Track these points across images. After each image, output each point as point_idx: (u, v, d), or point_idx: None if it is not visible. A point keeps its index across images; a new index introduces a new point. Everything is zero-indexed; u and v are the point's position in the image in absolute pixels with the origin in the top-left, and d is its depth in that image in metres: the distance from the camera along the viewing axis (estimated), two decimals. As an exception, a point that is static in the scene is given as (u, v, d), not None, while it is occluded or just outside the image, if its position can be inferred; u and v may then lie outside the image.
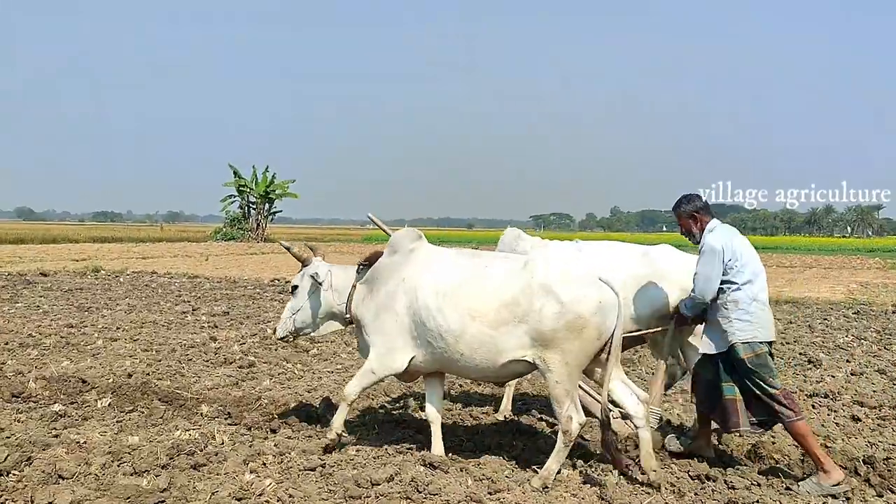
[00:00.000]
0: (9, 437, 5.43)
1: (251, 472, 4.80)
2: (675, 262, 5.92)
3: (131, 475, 4.74)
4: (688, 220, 5.41)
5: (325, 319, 5.76)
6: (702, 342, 5.37)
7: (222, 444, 5.46)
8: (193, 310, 13.51)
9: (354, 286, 5.56)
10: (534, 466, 5.15)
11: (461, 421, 6.29)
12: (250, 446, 5.39)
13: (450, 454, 5.29)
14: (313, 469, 4.93)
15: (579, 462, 5.30)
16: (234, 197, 60.53)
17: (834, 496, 4.81)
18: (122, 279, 19.98)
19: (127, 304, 14.21)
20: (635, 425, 4.99)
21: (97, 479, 4.67)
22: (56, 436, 5.55)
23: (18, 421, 6.01)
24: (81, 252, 34.08)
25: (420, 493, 4.56)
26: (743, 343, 5.06)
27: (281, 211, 63.86)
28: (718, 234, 5.26)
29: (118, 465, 4.88)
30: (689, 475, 5.04)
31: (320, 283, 5.63)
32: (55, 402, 6.60)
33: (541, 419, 6.38)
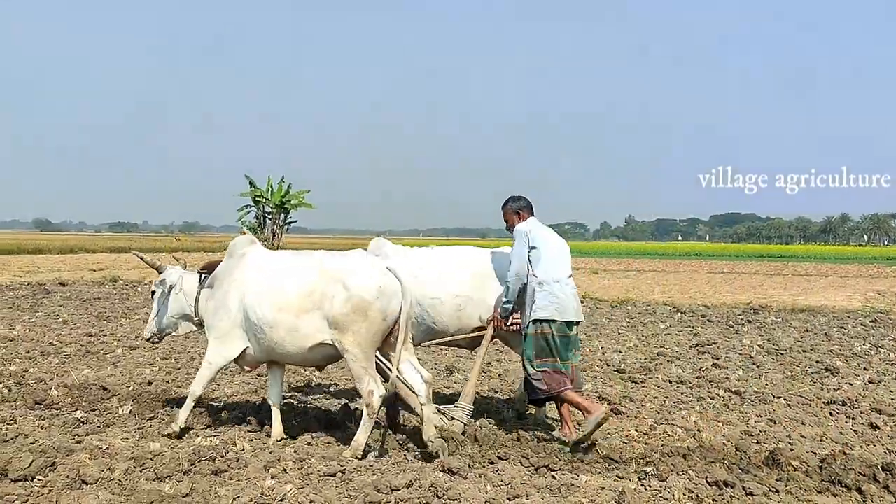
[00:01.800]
0: (33, 444, 5.51)
1: (272, 478, 4.85)
2: (504, 263, 6.30)
3: (154, 481, 4.81)
4: (512, 215, 6.27)
5: (181, 320, 6.41)
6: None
7: (243, 450, 5.51)
8: (211, 319, 13.56)
9: (199, 291, 6.15)
10: (553, 472, 5.18)
11: (480, 427, 6.31)
12: (270, 452, 5.43)
13: (468, 461, 5.31)
14: (333, 475, 4.97)
15: (598, 467, 5.33)
16: (250, 207, 60.68)
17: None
18: (139, 289, 20.10)
19: (145, 313, 14.27)
20: (420, 402, 5.56)
21: (120, 485, 4.73)
22: (79, 442, 5.62)
23: (42, 427, 6.09)
24: (99, 262, 34.38)
25: (439, 498, 4.59)
26: (534, 320, 5.85)
27: (296, 221, 63.93)
28: (526, 223, 6.14)
29: (141, 471, 4.95)
30: (707, 481, 5.04)
31: (171, 288, 6.27)
32: (77, 410, 6.66)
33: (558, 426, 6.39)
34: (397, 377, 5.48)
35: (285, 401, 7.19)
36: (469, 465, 5.20)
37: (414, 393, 5.59)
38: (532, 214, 6.26)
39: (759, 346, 11.27)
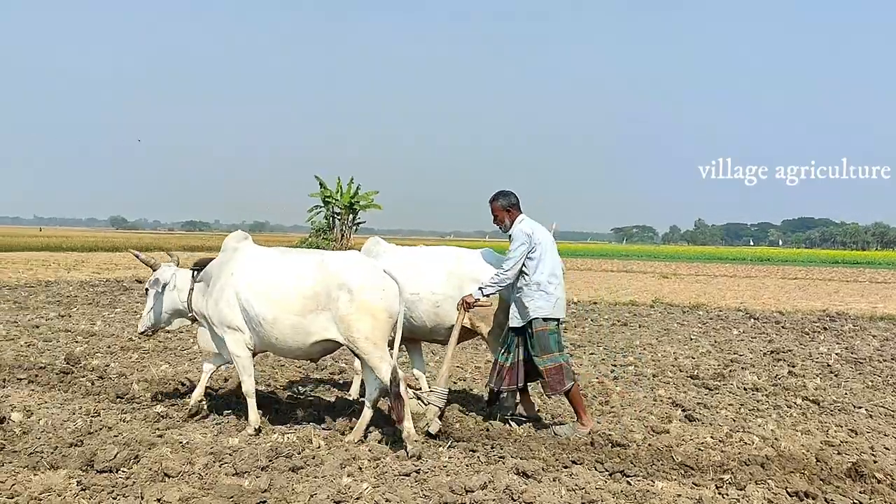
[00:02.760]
0: (116, 436, 5.67)
1: (348, 476, 4.90)
2: (485, 263, 6.71)
3: (233, 475, 4.90)
4: (503, 211, 6.38)
5: (174, 315, 6.62)
6: (511, 318, 6.33)
7: (318, 447, 5.58)
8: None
9: (192, 287, 6.39)
10: (627, 478, 5.14)
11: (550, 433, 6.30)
12: (346, 450, 5.49)
13: (542, 464, 5.30)
14: (408, 474, 5.00)
15: (674, 473, 5.26)
16: (320, 207, 61.47)
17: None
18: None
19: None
20: (369, 400, 5.94)
21: (201, 479, 4.83)
22: (160, 436, 5.76)
23: (124, 421, 6.25)
24: (173, 260, 35.00)
25: (514, 501, 4.59)
26: (544, 318, 6.16)
27: (364, 222, 64.53)
28: (527, 224, 6.28)
29: (220, 466, 5.05)
30: (787, 492, 4.94)
31: (165, 285, 6.48)
32: (157, 404, 6.83)
33: (632, 431, 6.34)
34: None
35: (360, 398, 7.28)
36: (543, 469, 5.20)
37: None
38: (521, 212, 6.43)
39: (836, 354, 11.01)
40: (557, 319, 6.30)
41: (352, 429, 6.00)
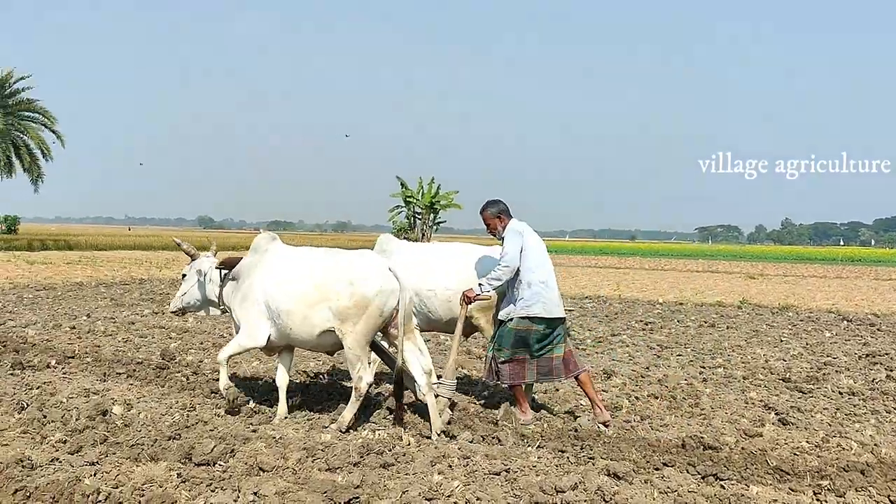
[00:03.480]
0: (212, 430, 5.82)
1: (438, 474, 4.93)
2: (493, 260, 6.95)
3: (326, 471, 4.98)
4: (494, 219, 6.63)
5: (204, 303, 7.13)
6: (500, 312, 6.60)
7: (409, 444, 5.63)
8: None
9: (222, 283, 6.82)
10: (721, 482, 5.05)
11: (644, 434, 6.24)
12: (436, 448, 5.52)
13: (632, 465, 5.26)
14: (498, 473, 5.00)
15: (768, 478, 5.15)
16: (401, 207, 62.07)
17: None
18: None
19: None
20: (422, 392, 6.17)
21: (295, 473, 4.92)
22: (254, 431, 5.89)
23: (219, 415, 6.41)
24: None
25: (606, 502, 4.56)
26: (520, 317, 6.36)
27: (445, 221, 64.93)
28: (516, 223, 6.54)
29: (313, 461, 5.13)
30: (890, 500, 4.79)
31: (201, 275, 7.01)
32: (250, 400, 6.98)
33: (723, 434, 6.23)
34: (402, 364, 6.11)
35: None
36: (634, 471, 5.15)
37: (414, 381, 6.25)
38: (511, 217, 6.66)
39: (937, 358, 10.60)
40: (546, 320, 6.42)
41: (443, 431, 6.06)
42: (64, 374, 7.97)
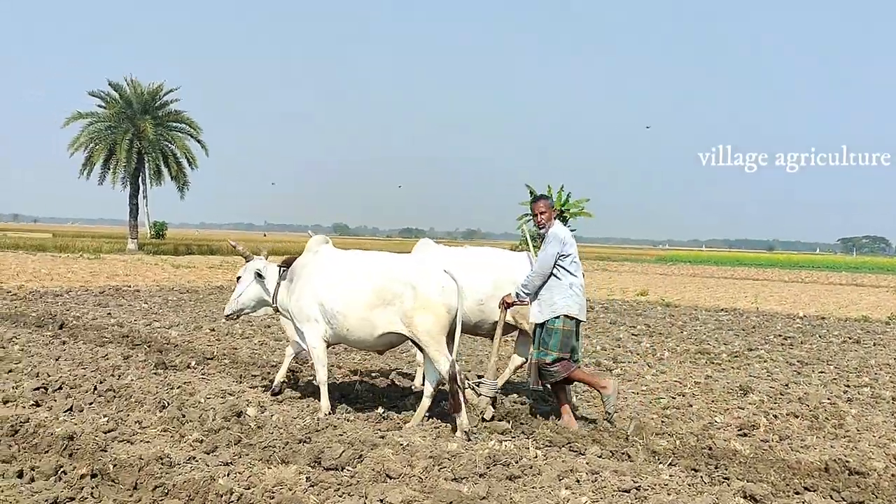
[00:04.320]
0: (341, 435, 5.89)
1: (566, 489, 4.82)
2: (523, 265, 7.29)
3: (452, 480, 4.94)
4: (549, 210, 6.79)
5: (259, 304, 7.24)
6: (531, 314, 6.72)
7: (536, 457, 5.53)
8: (496, 324, 13.90)
9: (279, 282, 7.01)
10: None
11: (783, 455, 5.95)
12: (563, 462, 5.41)
13: (770, 488, 5.01)
14: (627, 491, 4.85)
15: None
16: (530, 216, 61.91)
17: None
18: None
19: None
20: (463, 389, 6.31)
21: (421, 482, 4.91)
22: (382, 437, 5.91)
23: (348, 420, 6.49)
24: (390, 265, 36.32)
25: (742, 526, 4.37)
26: (565, 315, 6.49)
27: (575, 230, 64.30)
28: (560, 228, 6.66)
29: (439, 470, 5.11)
30: None
31: (255, 276, 7.10)
32: (379, 405, 7.04)
33: (870, 458, 5.87)
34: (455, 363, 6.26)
35: (574, 409, 7.20)
36: (772, 494, 4.91)
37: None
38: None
39: None
40: (579, 322, 6.63)
41: (468, 431, 6.14)
42: (203, 374, 8.27)
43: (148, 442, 5.58)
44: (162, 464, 4.92)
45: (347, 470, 5.10)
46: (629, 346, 11.85)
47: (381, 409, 6.87)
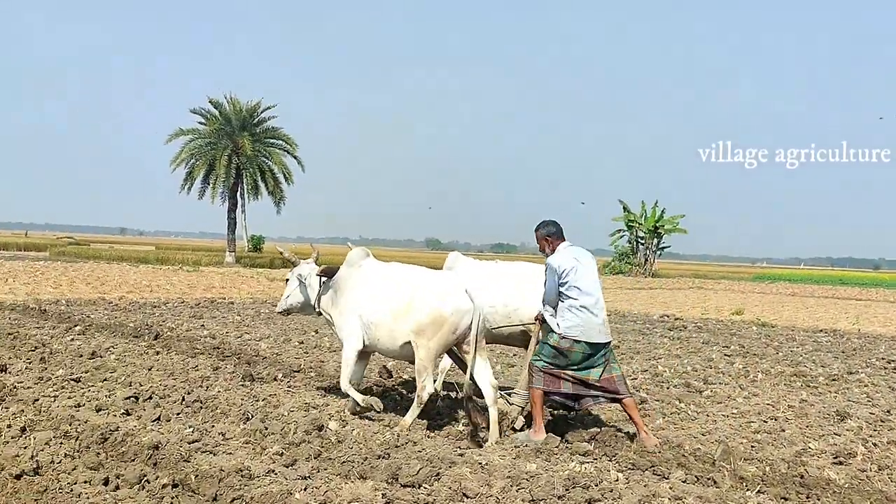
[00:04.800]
0: (420, 452, 5.87)
1: (647, 514, 4.69)
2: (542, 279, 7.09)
3: (530, 502, 4.86)
4: (542, 241, 6.90)
5: (305, 306, 7.79)
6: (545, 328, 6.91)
7: (617, 480, 5.40)
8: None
9: (320, 290, 7.54)
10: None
11: (882, 486, 5.66)
12: (645, 486, 5.27)
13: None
14: (712, 518, 4.70)
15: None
16: (623, 232, 61.14)
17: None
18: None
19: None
20: (486, 404, 6.66)
21: (498, 502, 4.84)
22: (461, 454, 5.88)
23: (428, 437, 6.47)
24: (480, 281, 36.34)
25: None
26: (561, 336, 6.56)
27: (669, 246, 63.33)
28: (558, 255, 6.70)
29: (517, 490, 5.03)
30: None
31: (301, 281, 7.68)
32: (459, 423, 6.99)
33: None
34: (470, 380, 6.63)
35: (660, 430, 7.01)
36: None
37: (481, 395, 6.76)
38: (562, 238, 6.88)
39: None
40: (586, 343, 6.56)
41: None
42: (288, 387, 8.37)
43: (230, 453, 5.66)
44: (241, 476, 4.97)
45: (424, 487, 5.07)
46: (721, 366, 11.51)
47: (461, 427, 6.82)
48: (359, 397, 7.04)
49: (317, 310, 7.64)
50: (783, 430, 7.36)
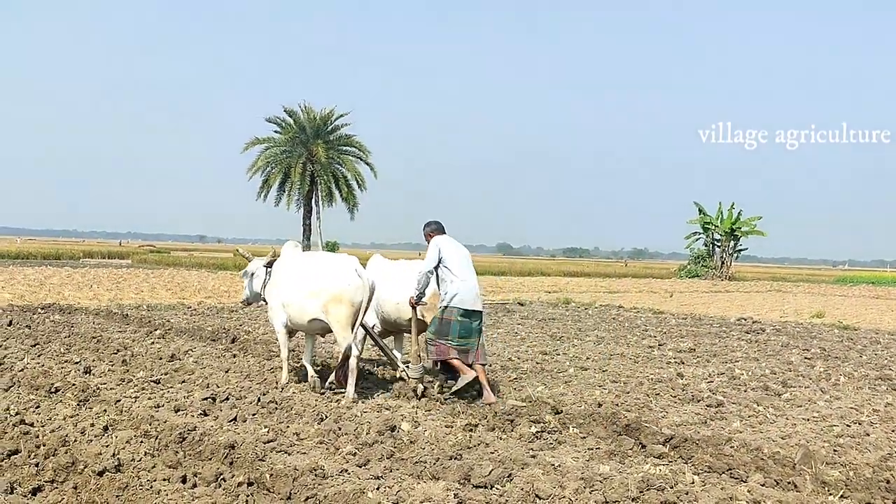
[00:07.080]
0: (492, 453, 5.85)
1: (724, 517, 4.59)
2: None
3: None
4: (427, 235, 8.55)
5: (255, 296, 9.20)
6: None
7: (692, 483, 5.31)
8: (659, 345, 13.55)
9: (265, 279, 8.87)
10: None
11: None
12: (722, 489, 5.17)
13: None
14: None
15: None
16: (699, 234, 60.14)
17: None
18: (590, 311, 20.78)
19: (595, 335, 14.70)
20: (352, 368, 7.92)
21: (571, 504, 4.80)
22: (533, 456, 5.84)
23: (501, 438, 6.45)
24: (553, 285, 36.28)
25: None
26: (444, 307, 8.07)
27: (746, 249, 62.12)
28: (437, 239, 8.34)
29: (590, 493, 4.97)
30: None
31: (251, 275, 9.17)
32: (532, 425, 6.96)
33: None
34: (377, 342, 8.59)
35: (737, 433, 6.87)
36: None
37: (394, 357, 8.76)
38: (442, 233, 8.51)
39: None
40: (463, 310, 8.00)
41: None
42: (362, 388, 8.43)
43: (304, 453, 5.73)
44: (315, 475, 5.02)
45: (496, 489, 5.05)
46: (801, 369, 11.21)
47: (534, 428, 6.78)
48: (286, 376, 8.54)
49: (264, 298, 8.89)
50: (867, 434, 7.14)
